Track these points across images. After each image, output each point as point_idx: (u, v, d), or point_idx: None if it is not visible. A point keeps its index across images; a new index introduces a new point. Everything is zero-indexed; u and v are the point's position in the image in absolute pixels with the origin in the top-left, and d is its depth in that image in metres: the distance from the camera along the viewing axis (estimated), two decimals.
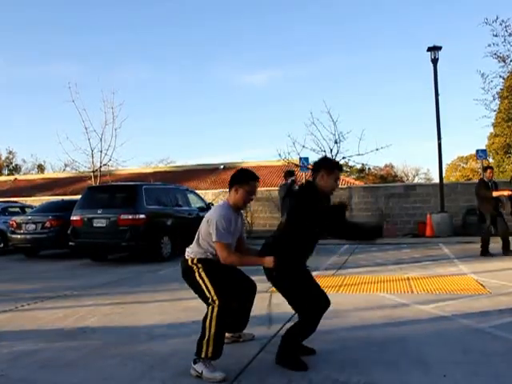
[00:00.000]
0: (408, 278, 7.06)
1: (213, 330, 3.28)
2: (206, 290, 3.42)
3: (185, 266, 3.61)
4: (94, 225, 10.24)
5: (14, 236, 12.03)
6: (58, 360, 3.75)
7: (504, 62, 18.27)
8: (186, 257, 3.63)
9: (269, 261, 3.39)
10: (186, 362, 3.59)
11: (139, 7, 70.54)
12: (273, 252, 3.45)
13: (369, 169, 45.82)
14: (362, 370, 3.31)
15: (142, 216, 10.04)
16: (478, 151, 15.51)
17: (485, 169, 10.01)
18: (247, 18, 74.07)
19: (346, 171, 44.00)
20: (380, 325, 4.51)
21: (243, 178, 3.60)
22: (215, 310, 3.32)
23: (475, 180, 20.98)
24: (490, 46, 18.16)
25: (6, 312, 5.57)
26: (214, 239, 3.45)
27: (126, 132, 41.35)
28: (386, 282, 6.86)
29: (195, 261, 3.54)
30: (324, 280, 7.08)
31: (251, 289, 3.88)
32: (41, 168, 49.67)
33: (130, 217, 9.97)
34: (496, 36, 17.92)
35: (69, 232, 10.60)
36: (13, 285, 7.78)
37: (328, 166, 3.59)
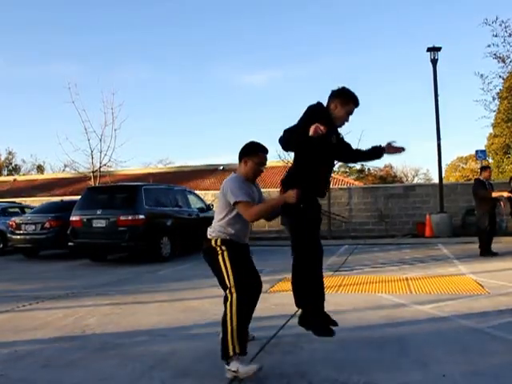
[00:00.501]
0: (407, 279, 7.07)
1: (235, 325, 3.20)
2: (226, 277, 3.35)
3: (207, 246, 3.49)
4: (94, 225, 10.24)
5: (13, 236, 12.02)
6: (57, 360, 3.76)
7: (504, 62, 18.28)
8: (209, 236, 3.51)
9: (290, 194, 3.27)
10: (185, 361, 3.60)
11: (139, 7, 70.58)
12: (290, 186, 3.37)
13: (368, 169, 45.88)
14: (361, 370, 3.32)
15: (141, 216, 10.04)
16: (477, 151, 15.55)
17: (483, 168, 9.87)
18: (247, 18, 74.11)
19: (346, 172, 44.07)
20: (379, 325, 4.52)
21: (252, 150, 3.52)
22: (234, 305, 3.24)
23: None
24: (489, 46, 18.18)
25: (6, 312, 5.57)
26: (232, 202, 3.34)
27: (126, 132, 41.46)
28: (385, 282, 6.86)
29: (219, 242, 3.43)
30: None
31: (258, 287, 3.75)
32: (40, 168, 49.64)
33: (130, 217, 9.97)
34: (496, 36, 17.94)
35: (68, 232, 10.59)
36: (12, 285, 7.78)
37: (344, 96, 3.46)
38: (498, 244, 9.58)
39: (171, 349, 3.94)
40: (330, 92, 3.57)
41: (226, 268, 3.37)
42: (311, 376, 3.25)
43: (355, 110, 3.54)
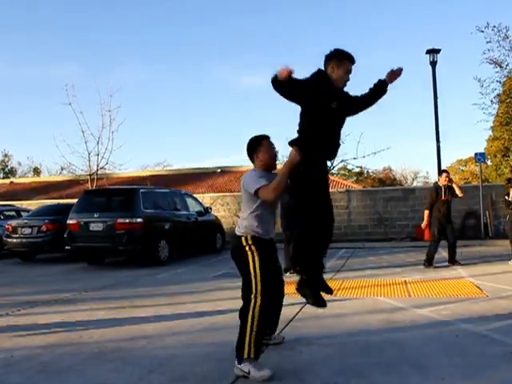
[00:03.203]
0: (406, 282, 7.05)
1: (255, 330, 3.22)
2: (254, 281, 3.32)
3: (237, 243, 3.48)
4: (91, 228, 10.20)
5: (9, 240, 11.97)
6: (54, 365, 3.73)
7: (500, 66, 18.30)
8: (237, 233, 3.50)
9: (292, 154, 3.27)
10: (184, 366, 3.58)
11: (139, 7, 70.41)
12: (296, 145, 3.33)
13: (367, 172, 45.85)
14: (360, 374, 3.30)
15: (139, 220, 10.02)
16: (476, 154, 15.50)
17: (440, 172, 9.39)
18: (247, 19, 73.97)
19: (345, 174, 44.09)
20: (378, 328, 4.50)
21: (256, 144, 3.60)
22: (257, 308, 3.25)
23: (474, 183, 20.97)
24: (484, 53, 18.22)
25: (2, 317, 5.53)
26: (253, 191, 3.36)
27: (123, 134, 41.49)
28: (384, 285, 6.85)
29: (249, 240, 3.41)
30: None
31: (282, 287, 3.78)
32: (37, 171, 49.39)
33: (127, 220, 9.95)
34: (489, 42, 17.98)
35: (65, 236, 10.56)
36: (8, 289, 7.74)
37: (337, 56, 3.45)
38: (495, 247, 9.54)
39: (169, 353, 3.92)
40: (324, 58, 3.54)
41: (255, 272, 3.33)
42: (310, 379, 3.24)
43: (352, 67, 3.47)
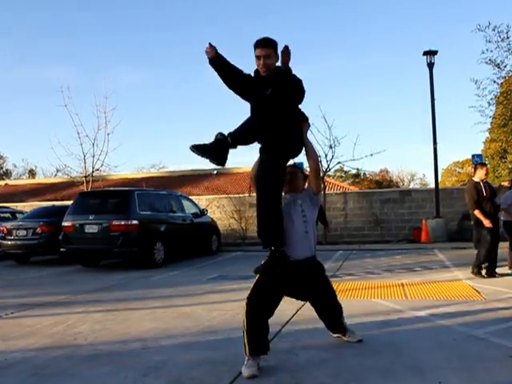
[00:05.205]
0: (402, 284, 7.03)
1: (245, 327, 3.48)
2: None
3: None
4: (86, 231, 10.15)
5: (4, 242, 11.90)
6: (48, 368, 3.68)
7: (498, 67, 18.33)
8: None
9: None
10: (179, 369, 3.54)
11: (135, 9, 70.48)
12: None
13: (364, 174, 45.88)
14: (357, 377, 3.27)
15: (134, 222, 9.97)
16: (474, 156, 15.51)
17: (480, 165, 7.84)
18: (245, 21, 74.07)
19: (341, 176, 44.12)
20: (375, 331, 4.47)
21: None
22: (244, 308, 3.52)
23: None
24: (483, 52, 18.23)
25: None
26: None
27: (119, 136, 41.35)
28: (381, 287, 6.82)
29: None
30: None
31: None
32: (32, 173, 49.24)
33: (123, 222, 9.91)
34: (489, 42, 18.00)
35: (60, 238, 10.50)
36: (2, 291, 7.68)
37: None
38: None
39: (164, 356, 3.88)
40: None
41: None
42: (307, 383, 3.20)
43: (261, 51, 3.47)
